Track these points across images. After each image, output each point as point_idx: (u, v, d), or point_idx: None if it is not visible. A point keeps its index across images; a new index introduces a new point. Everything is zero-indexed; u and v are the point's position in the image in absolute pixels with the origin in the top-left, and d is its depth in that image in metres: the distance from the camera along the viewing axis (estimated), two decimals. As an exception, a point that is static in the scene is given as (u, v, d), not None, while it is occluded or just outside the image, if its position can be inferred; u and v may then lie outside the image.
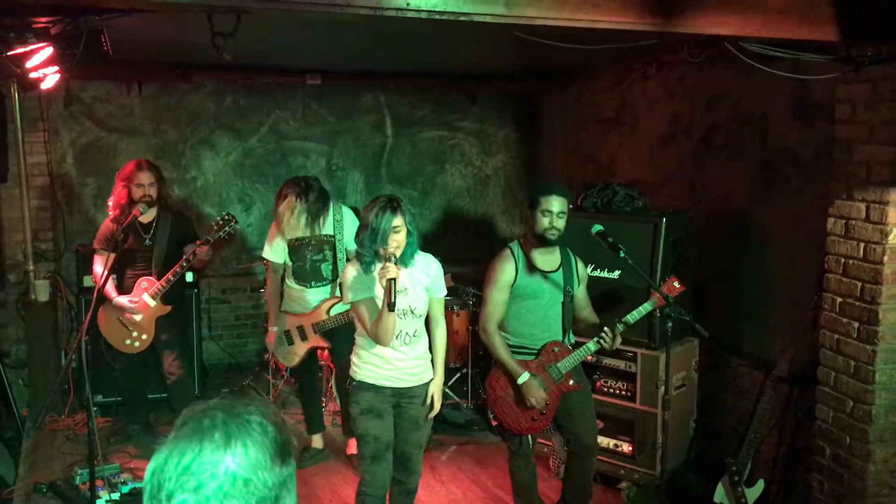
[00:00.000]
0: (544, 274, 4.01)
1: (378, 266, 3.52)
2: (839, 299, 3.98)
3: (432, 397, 3.83)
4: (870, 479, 3.86)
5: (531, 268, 4.00)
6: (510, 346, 4.03)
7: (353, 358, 3.79)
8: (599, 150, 6.73)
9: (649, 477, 4.64)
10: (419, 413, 3.79)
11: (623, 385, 4.77)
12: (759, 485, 4.27)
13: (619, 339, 3.92)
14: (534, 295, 4.00)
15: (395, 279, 3.38)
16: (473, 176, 7.95)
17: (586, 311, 4.21)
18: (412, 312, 3.67)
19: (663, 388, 4.37)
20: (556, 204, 3.88)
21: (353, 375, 3.77)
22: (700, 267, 5.04)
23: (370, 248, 3.53)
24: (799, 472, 4.45)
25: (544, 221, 3.90)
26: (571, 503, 4.31)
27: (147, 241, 5.10)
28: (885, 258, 3.71)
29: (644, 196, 4.97)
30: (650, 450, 4.63)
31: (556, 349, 4.03)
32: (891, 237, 3.70)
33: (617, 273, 4.73)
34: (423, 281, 3.72)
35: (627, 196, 4.88)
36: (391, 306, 3.38)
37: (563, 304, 4.06)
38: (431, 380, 3.83)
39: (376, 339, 3.58)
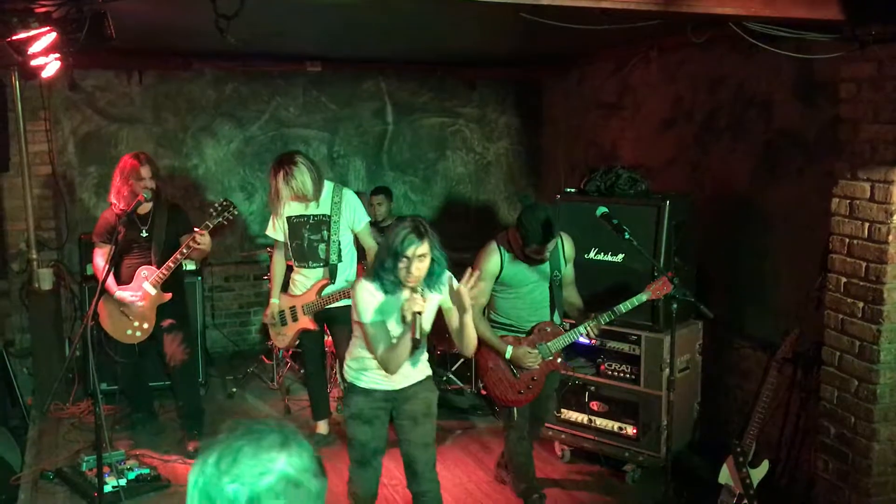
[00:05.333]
0: (530, 262, 4.14)
1: (400, 292, 3.37)
2: (844, 279, 3.98)
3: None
4: (874, 457, 3.87)
5: (516, 257, 4.13)
6: (500, 324, 4.27)
7: (348, 360, 3.66)
8: (601, 134, 6.72)
9: (654, 459, 4.66)
10: (416, 410, 3.61)
11: (627, 368, 4.77)
12: (764, 465, 4.28)
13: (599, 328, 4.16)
14: (519, 283, 4.18)
15: (420, 313, 3.29)
16: (475, 162, 7.95)
17: (569, 289, 4.37)
18: (421, 331, 3.44)
19: (668, 370, 4.38)
20: (549, 248, 4.02)
21: (346, 377, 3.67)
22: (703, 249, 5.05)
23: (393, 273, 3.33)
24: (804, 453, 4.47)
25: (534, 255, 4.06)
26: (522, 477, 4.47)
27: (144, 231, 5.09)
28: (890, 238, 3.71)
29: (647, 180, 4.97)
30: (655, 432, 4.65)
31: (549, 329, 4.23)
32: (895, 217, 3.70)
33: (620, 256, 4.73)
34: (436, 301, 3.55)
35: (630, 179, 4.88)
36: (416, 342, 3.32)
37: (550, 287, 4.25)
38: (427, 377, 3.68)
39: (385, 365, 3.43)
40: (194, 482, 1.32)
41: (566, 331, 4.23)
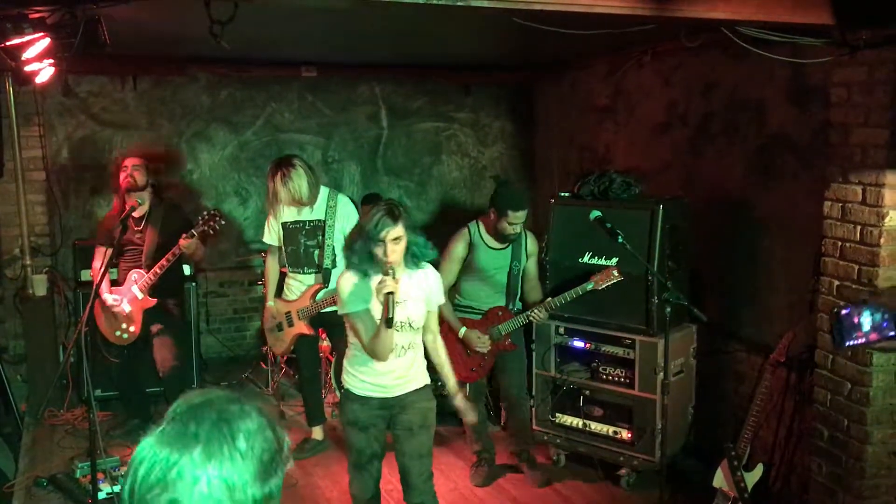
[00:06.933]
0: (494, 250, 4.67)
1: (375, 277, 3.36)
2: (836, 282, 3.99)
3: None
4: (868, 460, 3.88)
5: (483, 244, 4.66)
6: (461, 305, 4.77)
7: (345, 364, 3.64)
8: (595, 139, 6.74)
9: (648, 463, 4.66)
10: (412, 420, 3.56)
11: (621, 372, 4.78)
12: (759, 469, 4.29)
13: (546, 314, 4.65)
14: (482, 267, 4.67)
15: (392, 293, 3.24)
16: (470, 167, 7.96)
17: (531, 284, 4.79)
18: (410, 325, 3.49)
19: (662, 373, 4.39)
20: (522, 216, 4.51)
21: (343, 383, 3.63)
22: (698, 253, 5.06)
23: (368, 257, 3.35)
24: (798, 456, 4.48)
25: (509, 229, 4.53)
26: (519, 445, 4.97)
27: (137, 233, 5.13)
28: (882, 240, 3.73)
29: (641, 183, 4.99)
30: (649, 436, 4.65)
31: (500, 313, 4.69)
32: (887, 219, 3.71)
33: (614, 260, 4.72)
34: (421, 291, 3.53)
35: (624, 183, 4.89)
36: (389, 322, 3.25)
37: (508, 275, 4.72)
38: (425, 385, 3.63)
39: (373, 354, 3.42)
40: (126, 478, 1.27)
41: (516, 315, 4.65)
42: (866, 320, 1.71)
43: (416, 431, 3.57)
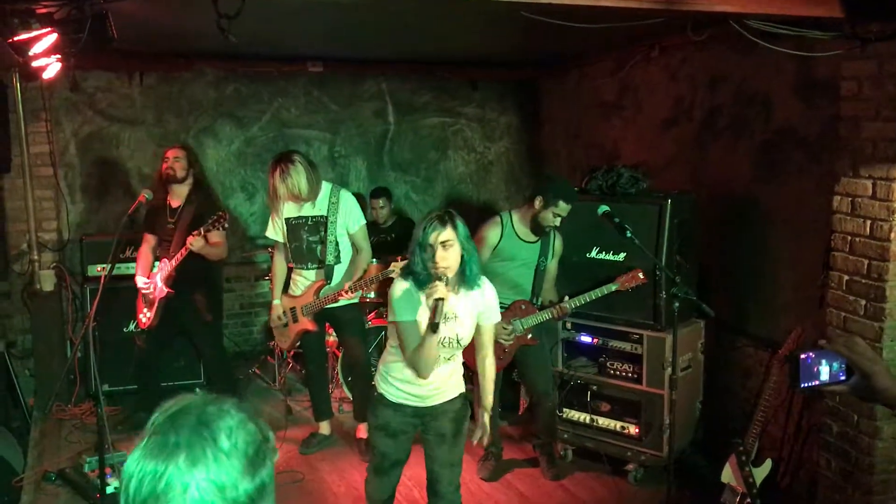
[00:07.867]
0: (524, 242, 4.60)
1: (430, 287, 3.23)
2: (846, 277, 3.97)
3: (482, 424, 3.54)
4: (877, 455, 3.86)
5: (515, 235, 4.59)
6: None
7: (381, 367, 3.55)
8: (602, 134, 6.72)
9: (656, 458, 4.65)
10: (445, 428, 3.48)
11: (629, 367, 4.77)
12: (767, 464, 4.28)
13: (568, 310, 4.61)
14: (510, 258, 4.59)
15: (443, 300, 3.13)
16: (476, 162, 7.95)
17: (549, 284, 4.74)
18: (457, 342, 3.37)
19: (670, 368, 4.38)
20: (568, 210, 4.43)
21: (377, 385, 3.55)
22: (705, 248, 5.05)
23: (422, 265, 3.24)
24: (806, 451, 4.46)
25: (551, 220, 4.46)
26: (542, 438, 4.93)
27: (171, 224, 5.20)
28: (892, 235, 3.71)
29: (648, 178, 4.97)
30: (657, 431, 4.64)
31: (523, 307, 4.63)
32: (897, 214, 3.70)
33: (622, 255, 4.72)
34: (475, 308, 3.41)
35: (632, 178, 4.88)
36: (434, 327, 3.11)
37: (535, 270, 4.66)
38: (460, 394, 3.54)
39: (414, 367, 3.31)
40: (122, 493, 1.26)
41: (539, 311, 4.61)
42: (824, 370, 1.83)
43: (448, 439, 3.50)
